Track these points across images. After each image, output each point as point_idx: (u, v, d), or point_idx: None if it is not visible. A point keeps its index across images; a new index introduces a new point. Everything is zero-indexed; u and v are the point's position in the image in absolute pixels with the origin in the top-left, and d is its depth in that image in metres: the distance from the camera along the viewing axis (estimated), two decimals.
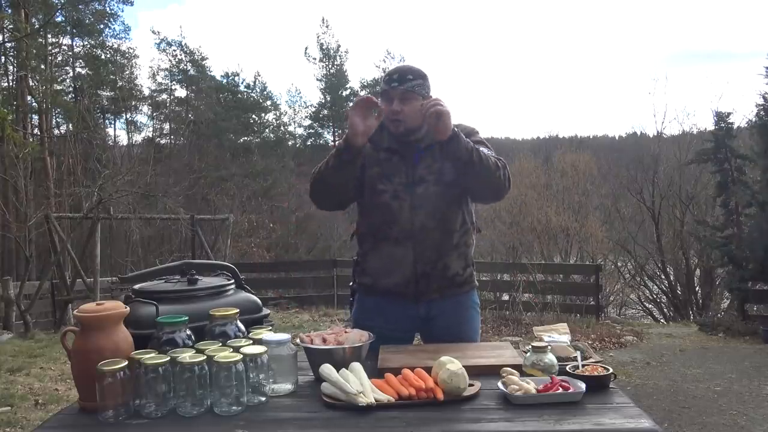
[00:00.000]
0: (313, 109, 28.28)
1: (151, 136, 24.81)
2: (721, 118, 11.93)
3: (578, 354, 1.69)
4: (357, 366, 1.54)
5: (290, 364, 1.57)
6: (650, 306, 16.12)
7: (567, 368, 1.57)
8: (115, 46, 22.66)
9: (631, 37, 61.31)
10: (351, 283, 2.28)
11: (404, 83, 2.01)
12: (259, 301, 1.95)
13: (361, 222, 2.19)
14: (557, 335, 1.84)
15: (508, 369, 1.57)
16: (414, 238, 2.05)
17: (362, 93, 27.98)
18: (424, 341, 2.17)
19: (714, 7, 55.59)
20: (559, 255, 16.17)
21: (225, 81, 26.64)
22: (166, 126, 25.85)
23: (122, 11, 23.28)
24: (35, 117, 19.52)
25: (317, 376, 1.56)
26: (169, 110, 25.58)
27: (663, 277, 16.21)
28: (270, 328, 1.74)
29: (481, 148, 1.99)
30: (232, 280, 1.98)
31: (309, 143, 28.28)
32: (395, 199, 2.05)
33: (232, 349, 1.46)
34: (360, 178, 2.09)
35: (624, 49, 62.11)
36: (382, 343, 1.84)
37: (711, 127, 12.64)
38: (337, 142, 2.10)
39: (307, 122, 28.47)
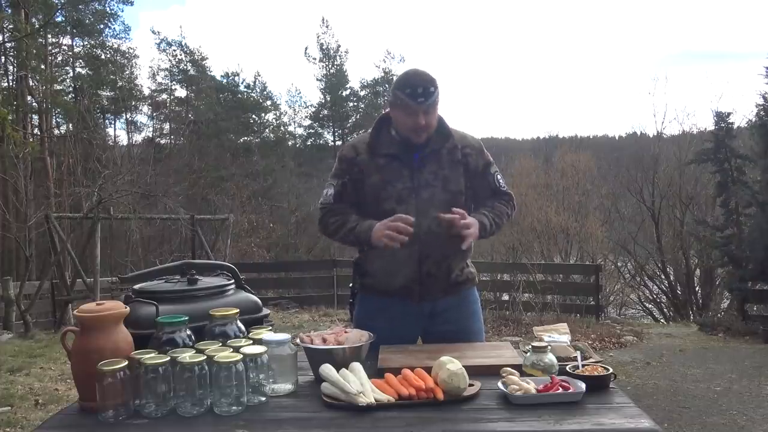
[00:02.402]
0: (313, 109, 28.31)
1: (151, 136, 24.84)
2: (721, 118, 11.95)
3: (578, 354, 1.69)
4: (357, 366, 1.54)
5: (290, 364, 1.57)
6: (650, 306, 16.13)
7: (567, 368, 1.57)
8: (115, 46, 22.69)
9: (631, 37, 61.41)
10: (351, 284, 2.26)
11: (430, 98, 1.98)
12: (259, 301, 1.95)
13: None
14: (557, 335, 1.84)
15: (508, 369, 1.57)
16: (420, 241, 2.03)
17: (362, 93, 28.01)
18: (428, 338, 2.15)
19: (713, 7, 55.66)
20: (559, 255, 16.18)
21: (225, 81, 26.66)
22: (166, 126, 25.86)
23: (122, 11, 23.27)
24: (35, 117, 19.52)
25: (317, 376, 1.56)
26: (169, 110, 25.58)
27: (663, 277, 16.22)
28: (270, 328, 1.74)
29: (496, 205, 2.14)
30: (232, 280, 1.98)
31: (309, 143, 28.28)
32: (400, 204, 2.03)
33: (232, 349, 1.47)
34: (360, 187, 2.09)
35: (624, 49, 62.19)
36: (387, 342, 1.84)
37: (711, 127, 12.68)
38: (331, 183, 2.15)
39: (307, 122, 28.50)
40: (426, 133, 2.03)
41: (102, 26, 21.99)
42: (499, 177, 2.19)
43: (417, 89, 1.97)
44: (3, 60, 17.67)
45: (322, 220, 2.15)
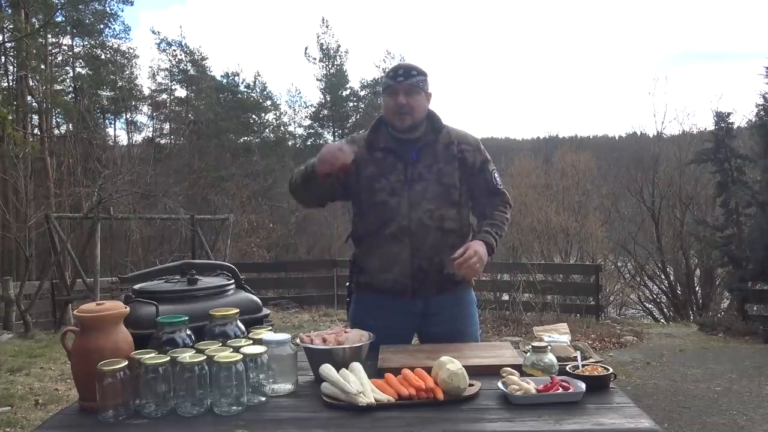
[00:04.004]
0: (313, 109, 28.31)
1: (151, 136, 24.84)
2: (721, 118, 11.95)
3: (578, 354, 1.69)
4: (357, 366, 1.54)
5: (290, 364, 1.57)
6: (650, 306, 16.12)
7: (567, 368, 1.57)
8: (115, 46, 22.70)
9: (631, 37, 61.49)
10: (348, 284, 2.28)
11: (409, 78, 2.07)
12: (259, 301, 1.95)
13: (358, 221, 2.19)
14: (557, 335, 1.84)
15: (508, 369, 1.57)
16: (412, 234, 2.06)
17: (362, 93, 28.01)
18: (423, 339, 2.17)
19: (714, 7, 55.68)
20: (559, 255, 16.17)
21: (225, 81, 26.65)
22: (166, 126, 25.86)
23: (122, 11, 23.31)
24: (35, 117, 19.52)
25: (317, 376, 1.56)
26: (169, 110, 25.57)
27: (663, 277, 16.22)
28: (270, 328, 1.74)
29: (495, 214, 2.15)
30: (232, 280, 1.98)
31: (309, 143, 28.26)
32: (392, 196, 2.07)
33: (232, 349, 1.47)
34: (354, 182, 2.12)
35: (624, 49, 62.27)
36: (381, 341, 1.84)
37: (711, 127, 12.68)
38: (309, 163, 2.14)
39: (307, 122, 28.50)
40: (409, 117, 2.07)
41: (102, 26, 22.00)
42: (496, 175, 2.21)
43: (398, 71, 2.10)
44: (3, 60, 17.67)
45: (290, 177, 2.22)
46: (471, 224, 2.20)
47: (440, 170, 2.08)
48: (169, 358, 1.40)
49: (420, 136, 2.12)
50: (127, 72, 23.45)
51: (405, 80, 2.06)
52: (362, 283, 2.19)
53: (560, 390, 1.44)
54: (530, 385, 1.44)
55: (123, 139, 24.78)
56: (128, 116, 24.26)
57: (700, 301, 14.65)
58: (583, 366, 1.59)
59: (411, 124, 2.08)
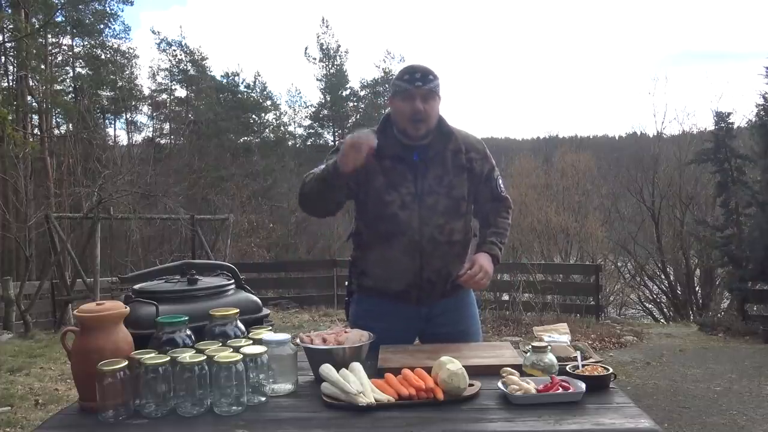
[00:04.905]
0: (313, 109, 28.33)
1: (151, 136, 24.86)
2: (721, 118, 11.96)
3: (578, 354, 1.69)
4: (357, 366, 1.54)
5: (290, 364, 1.57)
6: (650, 306, 16.13)
7: (567, 368, 1.57)
8: (115, 46, 22.72)
9: (631, 37, 61.45)
10: (347, 284, 2.25)
11: (428, 83, 1.98)
12: (259, 301, 1.95)
13: (362, 226, 2.14)
14: (557, 335, 1.84)
15: (508, 369, 1.57)
16: (422, 249, 2.03)
17: (362, 93, 28.02)
18: (425, 342, 2.15)
19: (714, 7, 55.68)
20: (559, 255, 16.19)
21: (225, 81, 26.68)
22: (166, 126, 25.88)
23: (122, 11, 23.32)
24: (35, 117, 19.52)
25: (317, 376, 1.56)
26: (169, 110, 25.59)
27: (663, 277, 16.23)
28: (270, 328, 1.74)
29: (498, 221, 2.17)
30: (232, 280, 1.98)
31: (309, 143, 28.28)
32: (403, 210, 2.02)
33: (232, 349, 1.46)
34: (363, 189, 2.05)
35: (624, 49, 62.22)
36: (383, 343, 1.84)
37: (711, 127, 12.70)
38: (325, 162, 2.00)
39: (307, 122, 28.53)
40: (425, 124, 2.00)
41: (102, 26, 22.02)
42: (500, 181, 2.20)
43: (415, 74, 1.98)
44: (3, 60, 17.67)
45: (301, 184, 2.03)
46: (473, 227, 2.19)
47: (450, 182, 2.03)
48: (169, 358, 1.40)
49: (429, 142, 2.05)
50: (127, 72, 23.50)
51: (423, 85, 1.96)
52: (364, 286, 2.16)
53: (560, 390, 1.43)
54: (530, 385, 1.44)
55: (123, 139, 24.85)
56: (128, 116, 24.32)
57: (700, 301, 14.66)
58: (583, 366, 1.59)
59: (425, 131, 2.01)
